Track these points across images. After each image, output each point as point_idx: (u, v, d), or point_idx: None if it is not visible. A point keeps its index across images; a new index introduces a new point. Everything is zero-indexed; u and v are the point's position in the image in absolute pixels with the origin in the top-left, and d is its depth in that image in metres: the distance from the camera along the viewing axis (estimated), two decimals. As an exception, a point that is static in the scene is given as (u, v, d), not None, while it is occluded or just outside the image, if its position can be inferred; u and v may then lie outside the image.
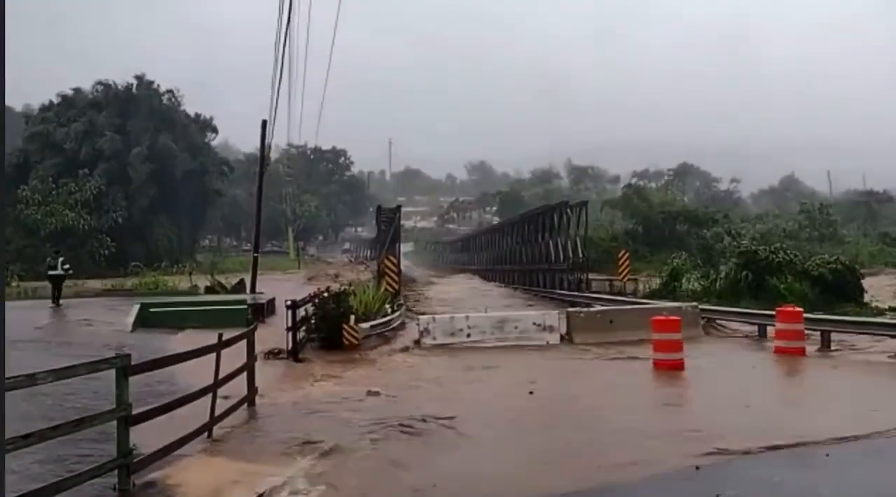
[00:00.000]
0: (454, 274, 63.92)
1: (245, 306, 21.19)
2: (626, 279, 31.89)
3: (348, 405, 11.16)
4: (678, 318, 15.18)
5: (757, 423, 9.71)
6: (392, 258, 26.47)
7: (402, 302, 26.18)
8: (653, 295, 30.50)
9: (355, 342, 17.24)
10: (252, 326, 11.19)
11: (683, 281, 30.92)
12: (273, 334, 17.20)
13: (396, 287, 24.78)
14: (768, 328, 17.91)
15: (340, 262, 75.26)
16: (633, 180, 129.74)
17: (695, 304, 20.58)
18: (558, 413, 10.68)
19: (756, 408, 10.74)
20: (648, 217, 67.41)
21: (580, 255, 34.54)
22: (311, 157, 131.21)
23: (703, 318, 19.66)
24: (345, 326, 17.20)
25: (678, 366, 14.16)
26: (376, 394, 11.99)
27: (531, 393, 11.81)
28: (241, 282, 31.32)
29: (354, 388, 12.62)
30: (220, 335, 9.25)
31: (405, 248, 66.06)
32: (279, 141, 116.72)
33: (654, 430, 9.46)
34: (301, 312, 16.95)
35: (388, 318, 20.54)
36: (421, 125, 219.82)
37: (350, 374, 14.31)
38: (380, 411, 10.68)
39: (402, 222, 34.72)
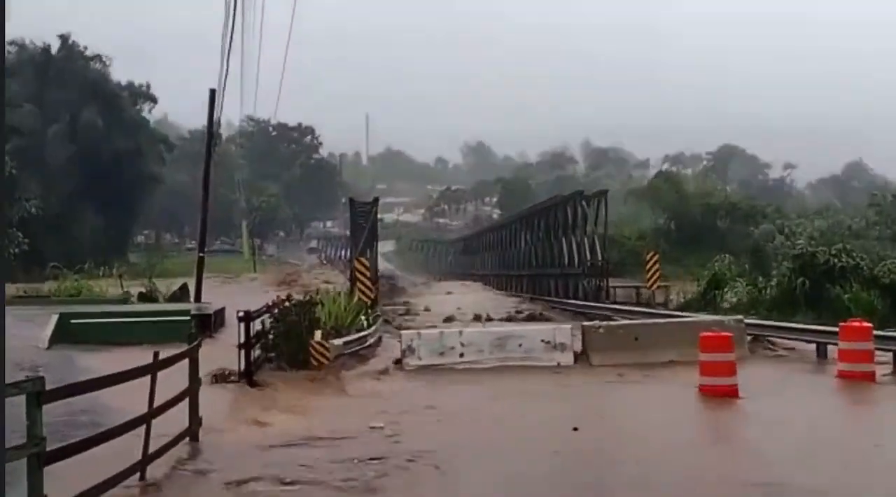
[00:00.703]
0: (451, 280, 64.04)
1: (188, 318, 21.15)
2: (655, 286, 31.97)
3: (316, 444, 11.06)
4: (729, 334, 15.17)
5: (838, 474, 9.57)
6: (364, 261, 26.52)
7: (378, 314, 26.18)
8: (687, 306, 30.61)
9: (325, 362, 17.22)
10: (196, 342, 11.15)
11: (726, 290, 31.04)
12: (222, 352, 17.06)
13: (371, 296, 24.81)
14: (829, 347, 17.98)
15: (308, 265, 75.34)
16: (665, 166, 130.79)
17: (739, 317, 20.65)
18: (599, 458, 10.48)
19: (832, 449, 10.70)
20: (683, 211, 67.74)
21: (599, 258, 34.62)
22: (273, 134, 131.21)
23: (749, 334, 19.71)
24: (312, 343, 17.17)
25: (731, 392, 14.15)
26: (379, 428, 11.95)
27: (575, 429, 11.59)
28: (184, 288, 31.28)
29: (323, 421, 12.59)
30: (157, 354, 9.21)
31: (385, 247, 66.08)
32: (232, 116, 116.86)
33: (710, 476, 9.46)
34: (257, 325, 16.91)
35: (364, 333, 20.52)
36: (406, 98, 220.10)
37: (318, 403, 14.28)
38: (362, 451, 10.59)
39: (380, 216, 34.64)
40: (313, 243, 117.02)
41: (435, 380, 16.87)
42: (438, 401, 14.36)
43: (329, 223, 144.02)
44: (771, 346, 20.39)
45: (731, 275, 32.57)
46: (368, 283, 25.41)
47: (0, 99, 3.58)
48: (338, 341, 18.35)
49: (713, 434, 12.45)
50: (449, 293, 45.52)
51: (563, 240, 37.66)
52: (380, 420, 12.55)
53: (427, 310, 33.75)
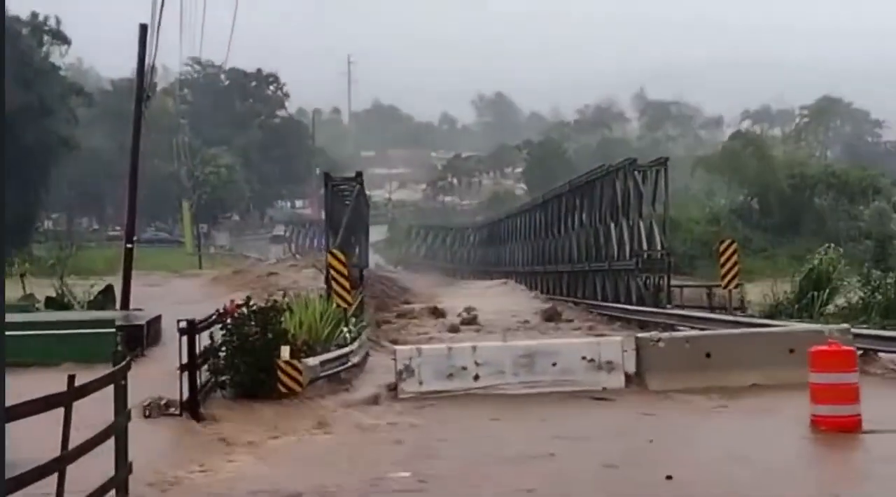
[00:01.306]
0: (475, 279, 64.05)
1: (112, 330, 21.18)
2: (733, 286, 31.93)
3: None
4: (850, 348, 15.17)
5: None
6: (339, 255, 26.55)
7: (365, 323, 26.25)
8: (776, 312, 30.59)
9: (296, 388, 17.27)
10: (124, 363, 11.14)
11: (829, 290, 30.93)
12: (159, 375, 17.08)
13: (350, 300, 24.96)
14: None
15: (273, 259, 75.41)
16: (745, 125, 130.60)
17: (845, 326, 20.61)
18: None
19: None
20: (769, 185, 67.73)
21: (658, 248, 34.59)
22: (225, 84, 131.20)
23: (858, 348, 19.70)
24: (280, 363, 17.21)
25: (852, 425, 14.19)
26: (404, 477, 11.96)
27: (669, 478, 11.64)
28: (108, 290, 31.36)
29: (298, 470, 12.61)
30: (72, 378, 9.20)
31: (373, 235, 66.03)
32: (170, 61, 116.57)
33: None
34: (206, 340, 16.94)
35: (347, 349, 20.61)
36: (400, 36, 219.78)
37: (290, 445, 14.27)
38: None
39: (368, 193, 34.77)
40: (279, 229, 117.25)
41: (447, 411, 16.92)
42: (452, 450, 14.25)
43: (299, 203, 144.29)
44: (888, 365, 20.36)
45: (839, 273, 32.35)
46: (346, 284, 25.48)
47: (0, 99, 3.74)
48: (312, 361, 18.38)
49: (853, 486, 12.23)
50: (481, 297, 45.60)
51: (612, 225, 37.64)
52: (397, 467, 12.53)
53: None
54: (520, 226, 61.28)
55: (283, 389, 17.17)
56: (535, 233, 54.79)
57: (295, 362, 17.51)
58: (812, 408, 14.49)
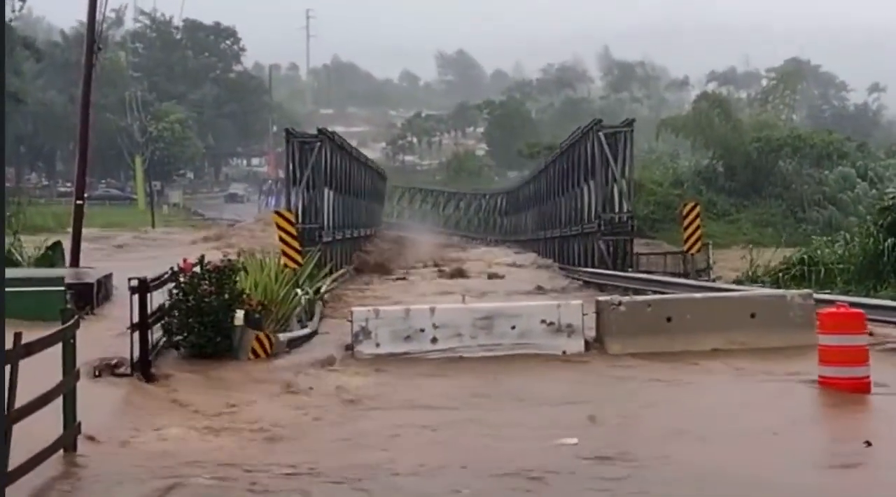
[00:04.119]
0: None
1: (61, 288, 21.03)
2: (694, 249, 32.14)
3: (244, 476, 10.81)
4: (860, 311, 15.35)
5: None
6: (287, 215, 26.83)
7: (320, 285, 26.34)
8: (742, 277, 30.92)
9: (263, 356, 17.47)
10: (72, 321, 11.09)
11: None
12: (109, 334, 17.05)
13: (300, 261, 25.09)
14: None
15: (230, 219, 75.11)
16: (711, 86, 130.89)
17: (808, 291, 20.80)
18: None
19: None
20: (735, 148, 67.98)
21: (622, 210, 34.75)
22: (178, 37, 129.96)
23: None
24: (260, 335, 17.52)
25: (862, 387, 14.45)
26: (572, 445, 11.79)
27: (868, 443, 11.49)
28: (57, 247, 31.13)
29: (254, 435, 12.56)
30: (18, 335, 9.13)
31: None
32: (124, 12, 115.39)
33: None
34: (159, 299, 16.88)
35: (312, 329, 20.99)
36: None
37: (243, 409, 14.22)
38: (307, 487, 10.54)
39: (327, 153, 34.60)
40: (235, 188, 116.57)
41: (404, 373, 16.91)
42: (418, 414, 14.26)
43: (256, 161, 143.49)
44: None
45: (830, 254, 32.53)
46: (295, 245, 25.63)
47: (0, 98, 4.14)
48: (282, 336, 18.73)
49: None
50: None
51: (586, 188, 37.80)
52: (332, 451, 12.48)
53: None
54: (530, 193, 60.34)
55: (251, 356, 17.39)
56: (538, 199, 54.48)
57: (270, 335, 17.89)
58: (820, 369, 14.76)
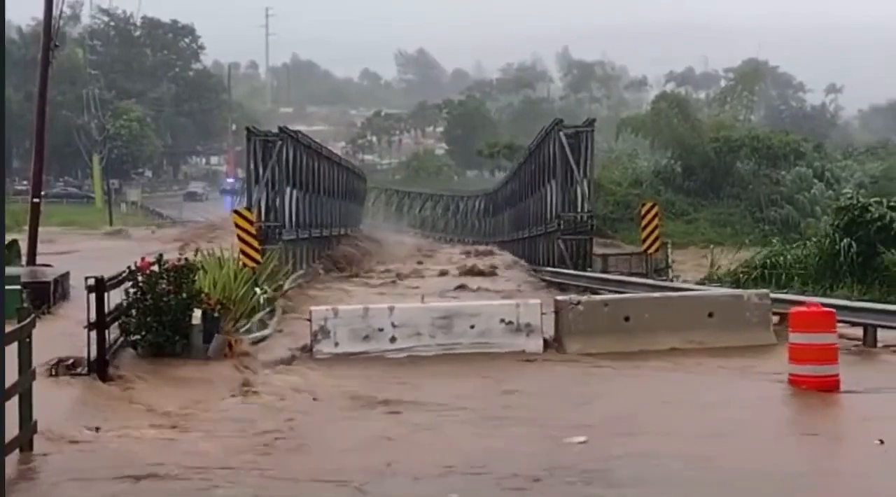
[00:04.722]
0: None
1: (17, 286, 20.85)
2: (652, 249, 32.29)
3: (198, 474, 10.79)
4: (831, 310, 15.61)
5: None
6: (246, 213, 26.78)
7: (281, 284, 26.30)
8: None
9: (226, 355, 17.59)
10: (29, 320, 11.03)
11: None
12: (66, 333, 16.91)
13: (259, 259, 25.04)
14: (880, 331, 18.51)
15: (187, 218, 74.59)
16: (670, 87, 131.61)
17: (765, 291, 21.02)
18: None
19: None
20: (693, 147, 68.37)
21: (582, 210, 34.84)
22: (137, 34, 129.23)
23: (775, 313, 20.10)
24: (230, 338, 17.66)
25: (831, 385, 14.69)
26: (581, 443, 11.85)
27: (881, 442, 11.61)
28: (13, 245, 30.87)
29: (211, 435, 12.55)
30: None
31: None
32: (81, 9, 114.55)
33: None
34: (116, 299, 16.76)
35: (272, 329, 20.92)
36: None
37: (201, 408, 14.20)
38: (259, 484, 10.51)
39: (289, 152, 34.45)
40: (194, 186, 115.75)
41: (363, 374, 16.90)
42: (376, 417, 14.23)
43: (214, 159, 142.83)
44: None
45: (792, 255, 32.83)
46: (254, 243, 25.58)
47: (0, 98, 3.71)
48: (246, 337, 18.82)
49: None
50: None
51: (549, 188, 37.86)
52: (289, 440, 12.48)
53: None
54: (508, 193, 60.04)
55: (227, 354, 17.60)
56: (515, 199, 54.30)
57: (237, 339, 18.12)
58: (790, 367, 14.99)
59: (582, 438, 11.99)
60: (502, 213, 61.15)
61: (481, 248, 53.26)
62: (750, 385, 15.62)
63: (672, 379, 16.46)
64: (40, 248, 29.50)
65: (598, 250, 36.81)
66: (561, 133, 36.18)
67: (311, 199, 38.92)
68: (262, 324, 21.23)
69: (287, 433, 12.77)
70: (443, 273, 36.87)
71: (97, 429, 12.45)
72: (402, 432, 12.83)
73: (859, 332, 19.08)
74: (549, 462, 10.99)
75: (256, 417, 13.65)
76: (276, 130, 35.37)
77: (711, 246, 37.87)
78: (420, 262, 42.63)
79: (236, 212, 27.38)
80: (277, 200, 32.79)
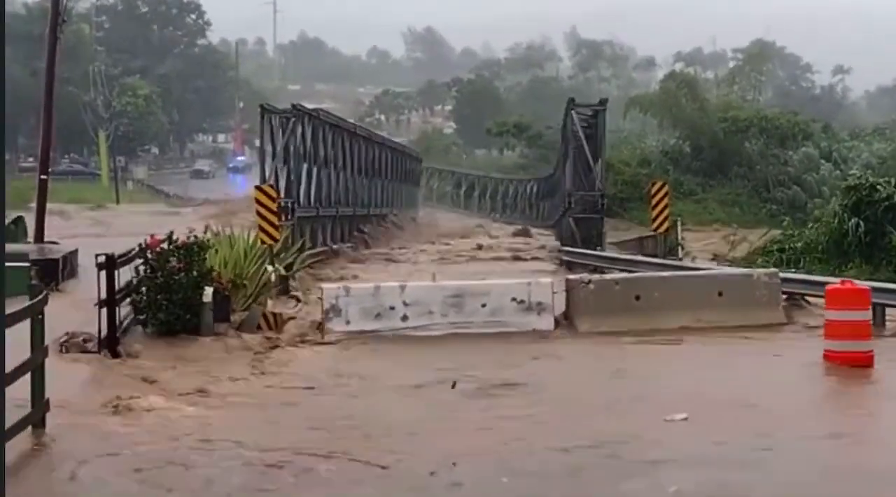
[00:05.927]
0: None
1: (26, 264, 20.83)
2: (662, 229, 32.19)
3: (208, 454, 10.78)
4: (866, 287, 15.86)
5: None
6: (269, 190, 26.57)
7: (291, 262, 26.25)
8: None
9: (272, 330, 18.04)
10: (40, 297, 11.00)
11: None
12: (76, 310, 16.91)
13: (277, 237, 24.90)
14: (889, 310, 18.46)
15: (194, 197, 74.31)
16: (678, 66, 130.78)
17: (773, 271, 20.99)
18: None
19: None
20: (702, 127, 68.11)
21: (594, 189, 34.80)
22: (143, 11, 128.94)
23: (784, 293, 20.07)
24: (266, 312, 18.11)
25: (865, 360, 14.95)
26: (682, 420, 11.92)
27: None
28: (19, 223, 30.88)
29: (222, 411, 12.57)
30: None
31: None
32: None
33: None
34: (126, 276, 16.76)
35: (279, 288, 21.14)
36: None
37: (212, 386, 14.18)
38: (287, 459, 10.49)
39: (298, 129, 34.32)
40: (201, 164, 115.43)
41: (377, 352, 16.96)
42: (393, 396, 14.23)
43: (221, 137, 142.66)
44: (810, 307, 20.57)
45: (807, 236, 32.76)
46: (274, 220, 25.43)
47: (0, 95, 4.56)
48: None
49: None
50: None
51: (567, 168, 37.88)
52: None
53: None
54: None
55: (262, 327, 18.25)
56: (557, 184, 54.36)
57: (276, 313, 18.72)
58: (826, 343, 15.29)
59: (684, 415, 12.09)
60: (551, 196, 61.47)
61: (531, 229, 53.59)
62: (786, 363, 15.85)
63: (712, 359, 16.50)
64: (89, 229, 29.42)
65: (607, 230, 36.77)
66: (573, 111, 36.19)
67: (337, 176, 38.74)
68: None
69: (284, 408, 12.86)
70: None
71: (107, 406, 12.45)
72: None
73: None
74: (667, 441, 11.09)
75: (259, 393, 13.68)
76: (284, 108, 35.28)
77: (735, 226, 37.36)
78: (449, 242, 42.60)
79: (258, 188, 27.22)
80: (292, 177, 32.66)
